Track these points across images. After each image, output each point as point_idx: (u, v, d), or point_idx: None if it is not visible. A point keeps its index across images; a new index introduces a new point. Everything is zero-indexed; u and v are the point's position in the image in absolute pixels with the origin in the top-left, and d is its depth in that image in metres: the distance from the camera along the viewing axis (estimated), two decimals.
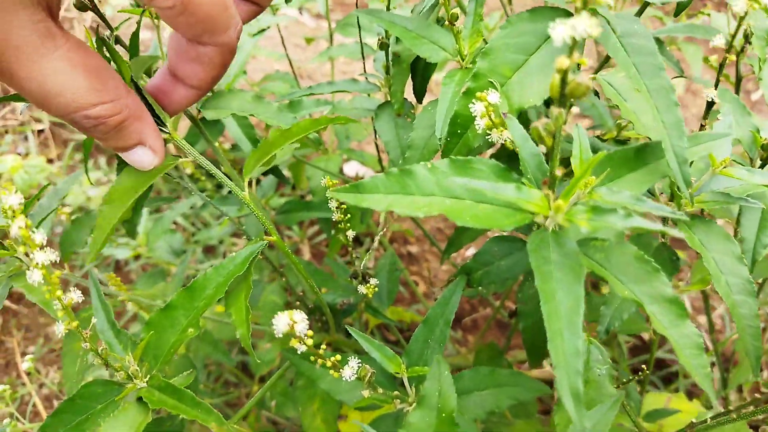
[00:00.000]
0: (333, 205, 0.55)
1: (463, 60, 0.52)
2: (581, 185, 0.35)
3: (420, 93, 0.61)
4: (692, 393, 1.11)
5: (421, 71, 0.59)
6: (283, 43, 0.90)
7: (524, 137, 0.39)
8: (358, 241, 1.32)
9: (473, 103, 0.40)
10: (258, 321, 1.13)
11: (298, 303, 0.63)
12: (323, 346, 0.65)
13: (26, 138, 1.53)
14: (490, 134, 0.41)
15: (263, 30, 0.78)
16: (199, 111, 0.60)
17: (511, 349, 1.20)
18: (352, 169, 1.42)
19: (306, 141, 0.90)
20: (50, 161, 1.49)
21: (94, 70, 0.40)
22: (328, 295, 0.60)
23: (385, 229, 0.65)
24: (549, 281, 0.36)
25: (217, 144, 0.92)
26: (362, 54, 0.70)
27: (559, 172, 0.36)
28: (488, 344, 0.70)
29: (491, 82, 0.41)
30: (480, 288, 0.57)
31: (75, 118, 0.40)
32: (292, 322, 0.35)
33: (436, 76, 1.34)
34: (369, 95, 0.75)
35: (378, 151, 0.82)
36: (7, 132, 1.55)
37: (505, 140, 0.42)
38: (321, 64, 1.69)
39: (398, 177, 0.41)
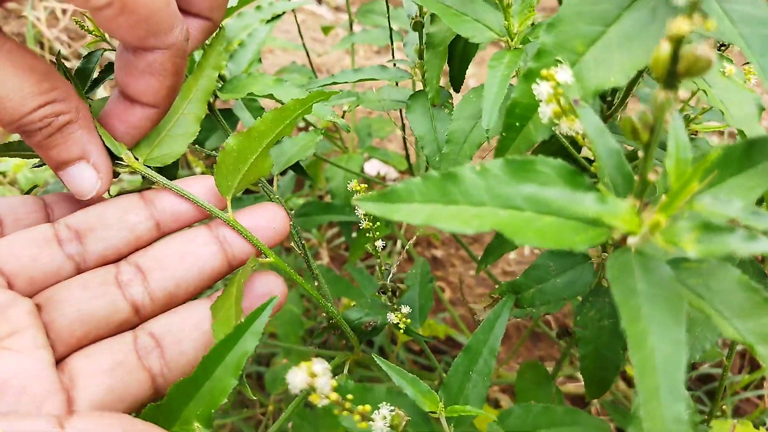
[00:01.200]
0: (361, 212, 0.47)
1: (512, 39, 0.44)
2: (684, 194, 0.27)
3: (458, 80, 0.52)
4: (740, 408, 1.03)
5: (459, 55, 0.51)
6: (300, 34, 0.82)
7: (600, 130, 0.31)
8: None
9: (537, 83, 0.31)
10: (274, 332, 1.06)
11: (324, 315, 0.55)
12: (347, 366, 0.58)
13: None
14: (557, 125, 0.33)
15: (278, 15, 0.71)
16: (216, 97, 0.53)
17: (543, 359, 1.11)
18: (373, 168, 1.34)
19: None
20: None
21: (41, 73, 0.36)
22: (354, 312, 0.52)
23: (414, 239, 0.57)
24: (637, 321, 0.27)
25: None
26: (390, 38, 0.62)
27: (653, 175, 0.27)
28: (532, 364, 0.61)
29: (558, 62, 0.32)
30: (531, 309, 0.49)
31: (24, 123, 0.36)
32: (312, 376, 0.27)
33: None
34: (397, 84, 0.67)
35: (405, 148, 0.74)
36: None
37: (576, 133, 0.33)
38: (339, 59, 1.61)
39: (439, 182, 0.32)
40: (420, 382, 0.43)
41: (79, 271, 0.40)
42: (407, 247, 0.55)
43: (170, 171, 0.46)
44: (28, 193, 0.52)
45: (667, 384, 0.26)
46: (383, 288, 0.57)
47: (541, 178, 0.32)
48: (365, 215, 0.48)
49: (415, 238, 0.57)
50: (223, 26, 0.51)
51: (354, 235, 0.87)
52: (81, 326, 0.37)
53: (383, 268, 0.56)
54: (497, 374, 0.93)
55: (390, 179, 1.30)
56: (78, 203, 0.42)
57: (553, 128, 0.34)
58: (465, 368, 0.45)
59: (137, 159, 0.42)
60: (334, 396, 0.28)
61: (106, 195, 0.43)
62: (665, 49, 0.23)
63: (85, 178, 0.40)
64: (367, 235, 0.51)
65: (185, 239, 0.41)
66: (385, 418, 0.34)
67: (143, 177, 0.43)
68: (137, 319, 0.39)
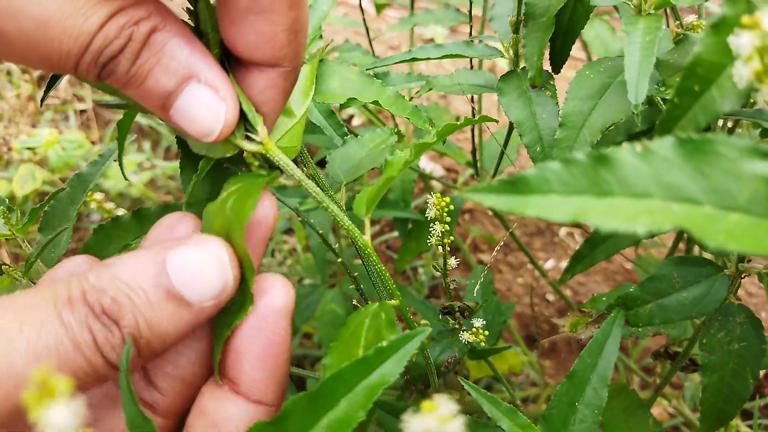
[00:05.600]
0: (438, 229, 0.40)
1: (645, 3, 0.36)
2: None
3: (560, 58, 0.45)
4: None
5: (564, 28, 0.44)
6: (361, 7, 0.75)
7: None
8: None
9: (736, 34, 0.24)
10: (310, 332, 0.99)
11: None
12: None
13: (67, 118, 1.43)
14: (758, 90, 0.25)
15: None
16: None
17: None
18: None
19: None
20: (92, 144, 1.38)
21: None
22: (431, 351, 0.44)
23: (495, 253, 0.50)
24: None
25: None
26: (470, 14, 0.55)
27: None
28: (619, 388, 0.54)
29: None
30: (639, 329, 0.42)
31: (97, 47, 0.26)
32: (443, 421, 0.20)
33: None
34: (472, 66, 0.60)
35: (473, 141, 0.67)
36: (48, 110, 1.45)
37: None
38: (388, 48, 1.55)
39: (587, 168, 0.26)
40: (519, 414, 0.36)
41: None
42: (492, 255, 0.48)
43: None
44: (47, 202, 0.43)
45: None
46: (449, 309, 0.49)
47: (724, 164, 0.25)
48: (440, 231, 0.41)
49: (495, 252, 0.49)
50: None
51: (408, 236, 0.80)
52: None
53: (452, 286, 0.49)
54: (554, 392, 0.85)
55: (437, 176, 1.22)
56: None
57: (754, 92, 0.26)
58: (570, 399, 0.38)
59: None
60: None
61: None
62: None
63: (204, 103, 0.28)
64: (439, 251, 0.44)
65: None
66: None
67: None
68: None
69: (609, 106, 0.37)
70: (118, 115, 1.43)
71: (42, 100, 0.43)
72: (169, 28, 0.28)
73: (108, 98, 0.34)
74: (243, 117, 0.31)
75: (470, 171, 1.23)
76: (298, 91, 0.36)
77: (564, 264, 1.19)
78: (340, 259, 0.44)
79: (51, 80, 0.43)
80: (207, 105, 0.29)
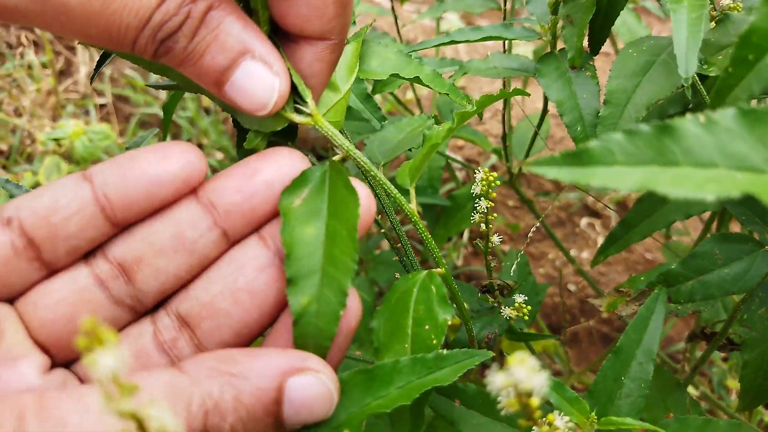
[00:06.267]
0: (483, 205, 0.41)
1: None
2: None
3: (599, 40, 0.46)
4: None
5: (604, 9, 0.44)
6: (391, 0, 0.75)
7: None
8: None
9: None
10: None
11: None
12: None
13: (87, 112, 1.44)
14: None
15: None
16: None
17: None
18: None
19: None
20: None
21: None
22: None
23: (529, 237, 0.51)
24: None
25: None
26: None
27: None
28: (657, 367, 0.54)
29: None
30: (679, 306, 0.42)
31: (157, 22, 0.27)
32: (531, 372, 0.20)
33: None
34: (504, 52, 0.60)
35: (503, 125, 0.67)
36: (69, 103, 1.46)
37: None
38: (405, 40, 1.55)
39: (651, 138, 0.26)
40: (566, 388, 0.36)
41: (137, 315, 0.31)
42: (528, 238, 0.48)
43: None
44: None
45: None
46: (488, 287, 0.50)
47: None
48: (485, 207, 0.42)
49: (530, 235, 0.50)
50: None
51: (438, 225, 0.80)
52: None
53: (492, 264, 0.49)
54: (581, 380, 0.86)
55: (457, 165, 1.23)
56: (137, 183, 0.30)
57: None
58: (615, 373, 0.38)
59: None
60: (536, 401, 0.22)
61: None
62: None
63: (258, 78, 0.29)
64: (482, 229, 0.44)
65: (235, 265, 0.31)
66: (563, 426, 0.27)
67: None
68: None
69: (653, 83, 0.37)
70: (138, 109, 1.44)
71: (92, 78, 0.44)
72: (224, 6, 0.29)
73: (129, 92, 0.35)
74: (292, 91, 0.32)
75: (491, 161, 1.23)
76: (343, 66, 0.37)
77: (585, 254, 1.19)
78: (382, 230, 0.45)
79: (101, 58, 0.44)
80: (261, 80, 0.30)
